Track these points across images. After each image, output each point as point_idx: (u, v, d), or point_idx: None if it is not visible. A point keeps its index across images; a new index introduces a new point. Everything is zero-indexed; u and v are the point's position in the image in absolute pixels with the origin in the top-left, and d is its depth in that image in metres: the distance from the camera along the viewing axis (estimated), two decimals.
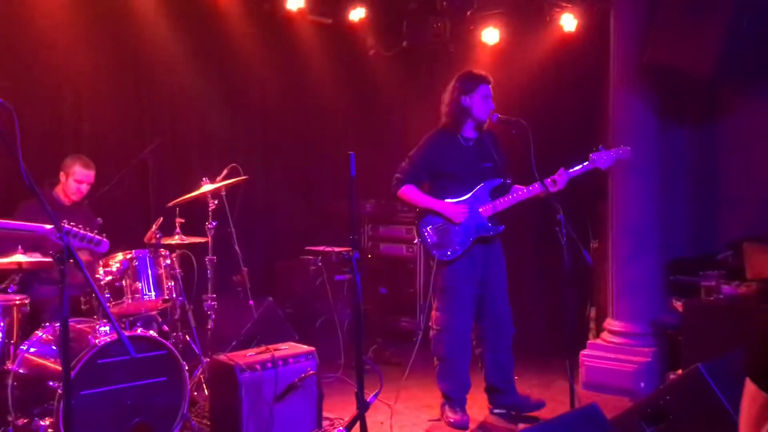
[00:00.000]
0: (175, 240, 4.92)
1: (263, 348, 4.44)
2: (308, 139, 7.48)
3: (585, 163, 4.55)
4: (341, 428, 3.70)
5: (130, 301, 4.40)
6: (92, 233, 3.62)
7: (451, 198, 4.71)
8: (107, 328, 4.02)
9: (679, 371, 4.66)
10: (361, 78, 7.48)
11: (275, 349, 4.40)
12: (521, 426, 4.63)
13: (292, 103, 7.31)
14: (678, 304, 5.11)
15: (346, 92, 7.46)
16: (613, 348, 5.46)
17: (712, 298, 4.95)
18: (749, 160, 5.54)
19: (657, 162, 5.45)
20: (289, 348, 4.51)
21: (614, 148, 4.59)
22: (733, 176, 5.66)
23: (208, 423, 4.43)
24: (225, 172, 5.07)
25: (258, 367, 4.20)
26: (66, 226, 3.42)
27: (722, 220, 5.69)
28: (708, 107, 5.75)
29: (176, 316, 4.91)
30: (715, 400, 3.48)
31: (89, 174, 5.06)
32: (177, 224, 4.97)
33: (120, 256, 4.44)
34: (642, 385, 5.24)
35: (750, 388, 1.54)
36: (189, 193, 4.98)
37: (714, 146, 5.78)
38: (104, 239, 3.64)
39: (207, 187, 4.96)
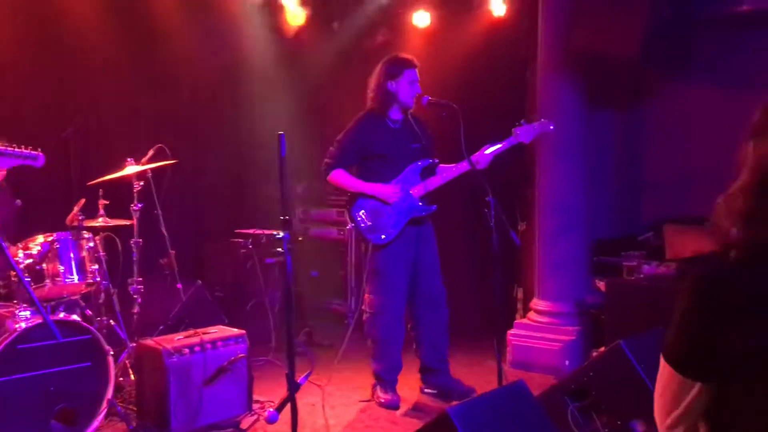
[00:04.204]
0: (99, 222, 4.79)
1: (192, 332, 4.37)
2: (238, 119, 7.34)
3: (509, 138, 4.60)
4: (272, 410, 3.67)
5: (51, 284, 4.26)
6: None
7: (381, 180, 4.70)
8: (27, 312, 3.89)
9: (602, 349, 4.78)
10: (292, 59, 7.39)
11: (204, 333, 4.34)
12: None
13: (221, 84, 7.17)
14: (601, 284, 5.24)
15: (276, 73, 7.36)
16: (539, 327, 5.58)
17: (633, 278, 5.10)
18: (671, 144, 5.71)
19: (582, 144, 5.55)
20: (218, 331, 4.45)
21: (537, 122, 4.66)
22: (656, 159, 5.83)
23: (135, 408, 4.35)
24: (151, 152, 4.95)
25: (186, 350, 4.14)
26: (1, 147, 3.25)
27: (645, 202, 5.87)
28: (633, 91, 5.90)
29: (100, 300, 4.79)
30: (636, 376, 3.59)
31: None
32: (101, 206, 4.83)
33: (41, 238, 4.29)
34: (567, 362, 5.36)
35: (666, 369, 1.56)
36: (114, 174, 4.84)
37: (638, 130, 5.95)
38: (40, 153, 3.45)
39: (131, 168, 4.83)
